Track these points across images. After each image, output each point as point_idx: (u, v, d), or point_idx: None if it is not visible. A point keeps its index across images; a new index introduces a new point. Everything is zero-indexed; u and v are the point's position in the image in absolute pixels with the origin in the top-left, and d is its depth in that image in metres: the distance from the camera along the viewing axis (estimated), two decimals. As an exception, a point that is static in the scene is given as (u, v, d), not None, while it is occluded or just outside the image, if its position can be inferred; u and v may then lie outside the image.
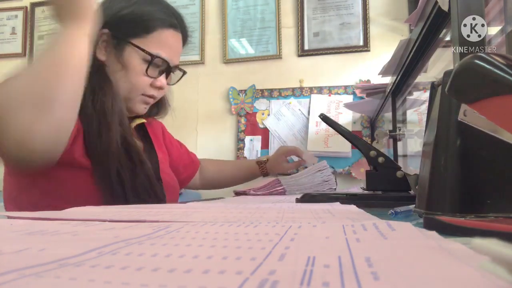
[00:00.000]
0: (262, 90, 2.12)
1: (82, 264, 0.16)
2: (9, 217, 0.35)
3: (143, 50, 0.78)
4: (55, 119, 0.58)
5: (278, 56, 2.12)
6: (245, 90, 2.13)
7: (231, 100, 2.14)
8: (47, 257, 0.17)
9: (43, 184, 0.70)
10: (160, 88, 0.83)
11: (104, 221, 0.33)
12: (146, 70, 0.79)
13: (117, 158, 0.71)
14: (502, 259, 0.12)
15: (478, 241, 0.13)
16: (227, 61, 2.17)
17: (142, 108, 0.84)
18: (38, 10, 2.46)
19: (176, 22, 0.83)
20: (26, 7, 2.48)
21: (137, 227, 0.28)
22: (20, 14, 2.48)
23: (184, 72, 0.91)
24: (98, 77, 0.74)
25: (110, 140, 0.71)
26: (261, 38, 2.15)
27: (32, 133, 0.56)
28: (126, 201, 0.70)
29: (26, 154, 0.58)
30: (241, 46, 2.19)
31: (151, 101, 0.85)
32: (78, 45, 0.60)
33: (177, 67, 0.87)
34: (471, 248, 0.17)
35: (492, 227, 0.25)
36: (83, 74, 0.61)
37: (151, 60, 0.79)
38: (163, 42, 0.80)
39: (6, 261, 0.17)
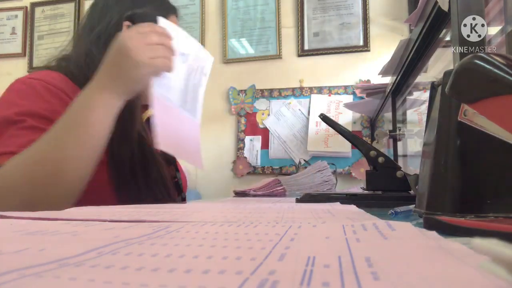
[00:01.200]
0: (262, 90, 2.12)
1: (82, 264, 0.16)
2: (9, 217, 0.35)
3: None
4: (66, 187, 0.57)
5: (278, 56, 2.12)
6: (245, 90, 2.13)
7: (231, 100, 2.14)
8: (47, 257, 0.17)
9: None
10: None
11: (104, 221, 0.33)
12: None
13: (130, 148, 0.72)
14: (502, 259, 0.12)
15: (478, 241, 0.13)
16: (227, 61, 2.17)
17: None
18: (38, 10, 2.46)
19: (175, 7, 0.87)
20: (26, 7, 2.48)
21: (137, 227, 0.28)
22: (20, 14, 2.48)
23: None
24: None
25: (133, 127, 0.72)
26: (261, 38, 2.15)
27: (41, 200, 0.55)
28: (138, 191, 0.71)
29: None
30: (241, 46, 2.19)
31: None
32: (108, 108, 0.60)
33: None
34: (471, 248, 0.17)
35: (492, 227, 0.25)
36: (102, 138, 0.60)
37: None
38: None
39: (6, 261, 0.17)
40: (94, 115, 0.58)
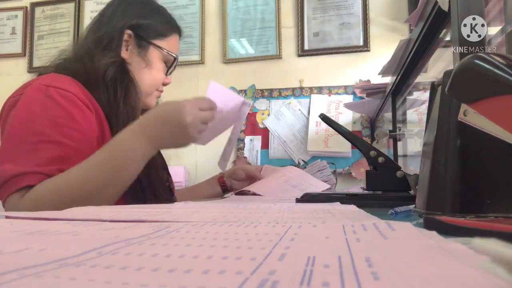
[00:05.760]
0: (262, 90, 2.12)
1: (82, 264, 0.16)
2: (9, 217, 0.35)
3: (167, 52, 0.88)
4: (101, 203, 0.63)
5: (278, 56, 2.11)
6: (245, 90, 2.13)
7: (231, 100, 2.14)
8: (47, 257, 0.17)
9: None
10: (166, 84, 0.93)
11: (104, 221, 0.33)
12: (168, 69, 0.91)
13: None
14: (502, 259, 0.12)
15: (478, 241, 0.13)
16: (227, 61, 2.17)
17: (154, 102, 0.93)
18: (38, 10, 2.46)
19: (179, 28, 0.95)
20: (26, 7, 2.48)
21: (137, 227, 0.28)
22: (20, 14, 2.48)
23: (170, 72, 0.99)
24: (125, 75, 0.82)
25: None
26: (261, 38, 2.15)
27: None
28: (142, 192, 0.76)
29: None
30: (241, 46, 2.19)
31: (160, 96, 0.95)
32: (145, 158, 0.69)
33: None
34: (471, 248, 0.17)
35: (492, 227, 0.25)
36: (133, 178, 0.69)
37: (173, 61, 0.91)
38: (174, 45, 0.91)
39: (6, 261, 0.17)
40: (133, 161, 0.68)
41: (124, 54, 0.84)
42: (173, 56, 0.89)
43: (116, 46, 0.82)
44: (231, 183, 1.11)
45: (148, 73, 0.86)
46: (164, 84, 0.92)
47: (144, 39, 0.86)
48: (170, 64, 0.91)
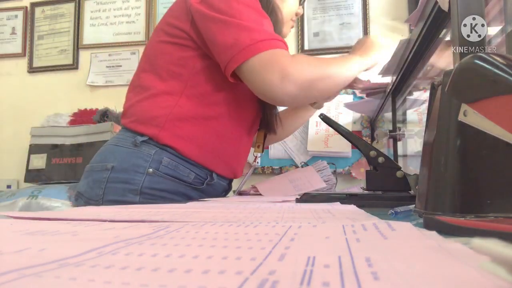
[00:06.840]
0: (262, 90, 2.11)
1: (82, 264, 0.16)
2: (9, 217, 0.35)
3: None
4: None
5: (278, 56, 2.11)
6: (245, 90, 2.13)
7: (231, 100, 2.14)
8: (47, 257, 0.17)
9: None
10: (298, 15, 1.10)
11: (104, 221, 0.33)
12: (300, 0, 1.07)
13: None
14: (502, 259, 0.12)
15: (478, 241, 0.13)
16: (227, 61, 2.17)
17: (289, 32, 1.10)
18: (38, 10, 2.46)
19: None
20: (26, 7, 2.48)
21: (137, 227, 0.28)
22: (20, 14, 2.48)
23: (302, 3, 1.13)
24: (269, 4, 0.97)
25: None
26: (261, 38, 2.15)
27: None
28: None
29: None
30: (241, 46, 2.18)
31: (293, 25, 1.11)
32: (356, 72, 0.98)
33: None
34: (471, 248, 0.17)
35: (492, 227, 0.25)
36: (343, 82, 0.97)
37: None
38: None
39: (6, 261, 0.17)
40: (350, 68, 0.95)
41: None
42: None
43: None
44: (319, 103, 1.28)
45: (286, 5, 1.02)
46: (297, 15, 1.08)
47: None
48: None
